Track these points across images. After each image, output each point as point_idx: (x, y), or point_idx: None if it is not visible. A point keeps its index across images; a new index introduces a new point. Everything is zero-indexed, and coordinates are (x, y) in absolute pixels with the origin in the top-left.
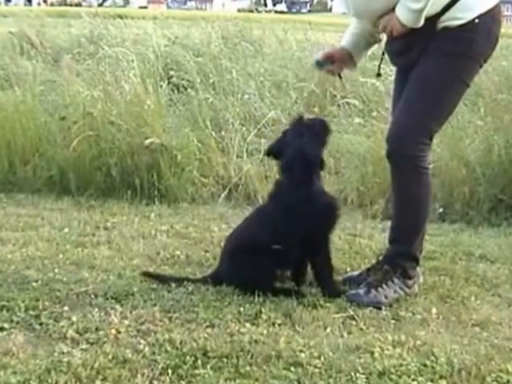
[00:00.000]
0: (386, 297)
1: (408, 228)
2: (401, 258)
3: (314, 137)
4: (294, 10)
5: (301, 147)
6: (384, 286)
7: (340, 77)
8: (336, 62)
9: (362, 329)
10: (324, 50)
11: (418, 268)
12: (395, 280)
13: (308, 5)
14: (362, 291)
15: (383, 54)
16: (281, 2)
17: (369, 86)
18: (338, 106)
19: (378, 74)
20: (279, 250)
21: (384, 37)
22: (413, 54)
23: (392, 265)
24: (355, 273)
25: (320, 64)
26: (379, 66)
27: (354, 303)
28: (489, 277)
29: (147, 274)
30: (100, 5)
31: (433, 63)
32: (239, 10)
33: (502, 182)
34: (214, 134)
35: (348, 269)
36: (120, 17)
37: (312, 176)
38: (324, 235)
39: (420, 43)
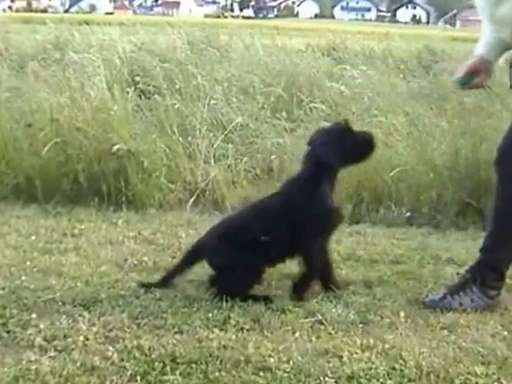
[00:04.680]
0: (460, 304)
1: (501, 239)
2: (485, 267)
3: (344, 145)
4: (261, 15)
5: (320, 147)
6: (461, 293)
7: (489, 87)
8: (481, 73)
9: (330, 333)
10: (464, 65)
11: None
12: (474, 288)
13: (275, 10)
14: (437, 297)
15: (511, 66)
16: (248, 7)
17: (335, 91)
18: (305, 110)
19: None
20: (267, 243)
21: None
22: None
23: (473, 273)
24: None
25: (464, 82)
26: (511, 77)
27: (323, 308)
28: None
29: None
30: (66, 11)
31: None
32: (206, 16)
33: (469, 185)
34: (181, 139)
35: None
36: (86, 23)
37: (320, 179)
38: (313, 239)
39: None
